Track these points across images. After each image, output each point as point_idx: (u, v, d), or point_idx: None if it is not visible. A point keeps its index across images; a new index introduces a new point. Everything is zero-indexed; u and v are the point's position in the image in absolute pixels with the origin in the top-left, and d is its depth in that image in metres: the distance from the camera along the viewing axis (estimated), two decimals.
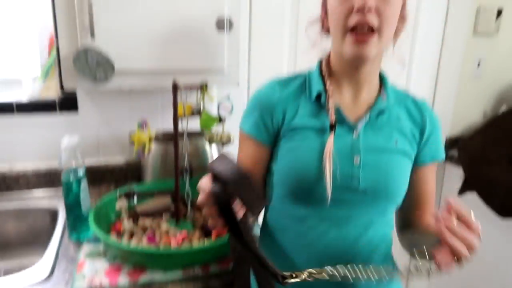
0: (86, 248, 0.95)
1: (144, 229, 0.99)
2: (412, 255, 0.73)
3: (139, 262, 0.88)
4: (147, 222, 1.01)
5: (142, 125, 1.16)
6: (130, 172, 1.36)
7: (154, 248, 0.89)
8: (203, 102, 1.08)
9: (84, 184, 0.97)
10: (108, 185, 1.34)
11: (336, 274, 0.60)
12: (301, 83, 0.81)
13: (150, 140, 1.12)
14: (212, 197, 0.57)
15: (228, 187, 0.56)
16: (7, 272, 1.08)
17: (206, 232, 0.98)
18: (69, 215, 0.98)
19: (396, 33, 0.77)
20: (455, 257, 0.59)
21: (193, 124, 1.07)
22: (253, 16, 1.40)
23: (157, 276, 0.85)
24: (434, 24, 1.67)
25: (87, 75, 1.06)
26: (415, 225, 0.84)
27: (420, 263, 0.63)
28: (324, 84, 0.78)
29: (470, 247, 0.59)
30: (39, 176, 1.27)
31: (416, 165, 0.82)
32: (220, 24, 1.13)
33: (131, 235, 0.96)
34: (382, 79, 0.82)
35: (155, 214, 1.04)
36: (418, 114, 0.82)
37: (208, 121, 1.10)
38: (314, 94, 0.78)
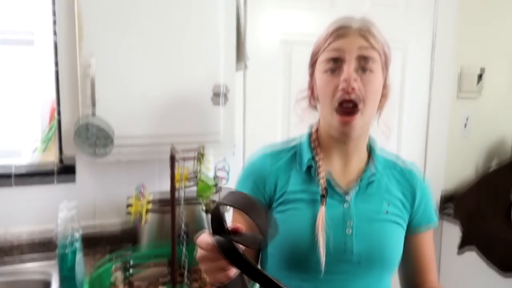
0: None
1: None
2: None
3: None
4: None
5: (140, 189, 1.17)
6: (126, 235, 1.34)
7: None
8: (200, 169, 1.10)
9: (79, 256, 0.97)
10: (104, 247, 1.31)
11: None
12: (292, 155, 0.84)
13: (147, 211, 1.12)
14: (217, 247, 0.55)
15: (232, 238, 0.54)
16: None
17: None
18: None
19: (380, 107, 0.82)
20: None
21: (189, 189, 1.08)
22: (247, 89, 1.49)
23: None
24: (420, 89, 1.77)
25: (87, 150, 1.09)
26: None
27: None
28: (314, 154, 0.81)
29: None
30: (33, 243, 1.25)
31: (411, 233, 0.83)
32: (216, 99, 1.20)
33: None
34: (370, 147, 0.85)
35: (151, 282, 1.02)
36: (406, 183, 0.84)
37: (204, 190, 1.12)
38: (304, 166, 0.81)
